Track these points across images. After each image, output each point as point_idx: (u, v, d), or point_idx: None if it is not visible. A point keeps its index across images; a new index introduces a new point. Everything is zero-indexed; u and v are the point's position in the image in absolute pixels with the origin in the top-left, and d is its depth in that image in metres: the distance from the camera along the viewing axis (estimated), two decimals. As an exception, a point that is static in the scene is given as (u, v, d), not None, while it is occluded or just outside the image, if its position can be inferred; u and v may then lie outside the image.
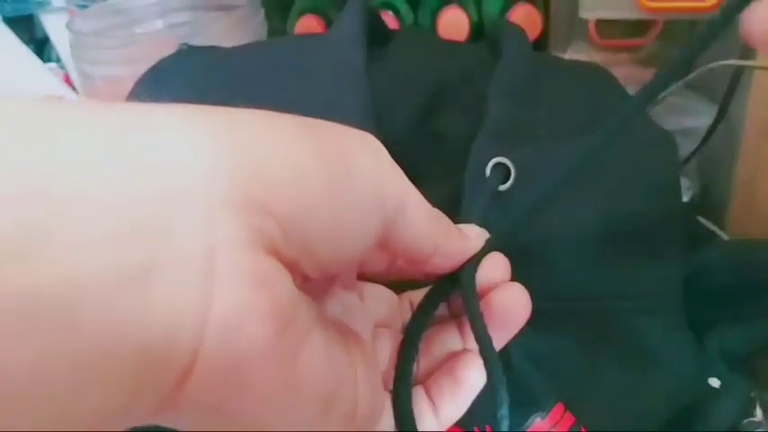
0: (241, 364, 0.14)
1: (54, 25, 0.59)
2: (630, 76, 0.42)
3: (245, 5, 0.50)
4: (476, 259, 0.21)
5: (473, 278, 0.21)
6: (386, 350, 0.22)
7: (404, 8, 0.47)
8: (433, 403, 0.21)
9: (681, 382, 0.28)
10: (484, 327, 0.20)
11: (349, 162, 0.16)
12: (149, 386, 0.13)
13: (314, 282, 0.17)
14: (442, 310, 0.23)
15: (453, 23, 0.45)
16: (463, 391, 0.21)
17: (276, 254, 0.15)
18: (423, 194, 0.19)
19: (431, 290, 0.22)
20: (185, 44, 0.39)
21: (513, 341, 0.22)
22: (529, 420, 0.26)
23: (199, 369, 0.13)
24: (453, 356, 0.22)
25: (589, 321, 0.28)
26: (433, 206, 0.20)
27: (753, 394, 0.28)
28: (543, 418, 0.26)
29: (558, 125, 0.31)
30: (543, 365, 0.27)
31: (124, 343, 0.12)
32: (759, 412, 0.27)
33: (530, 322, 0.21)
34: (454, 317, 0.23)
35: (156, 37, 0.51)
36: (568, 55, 0.45)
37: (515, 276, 0.22)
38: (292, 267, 0.15)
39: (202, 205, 0.13)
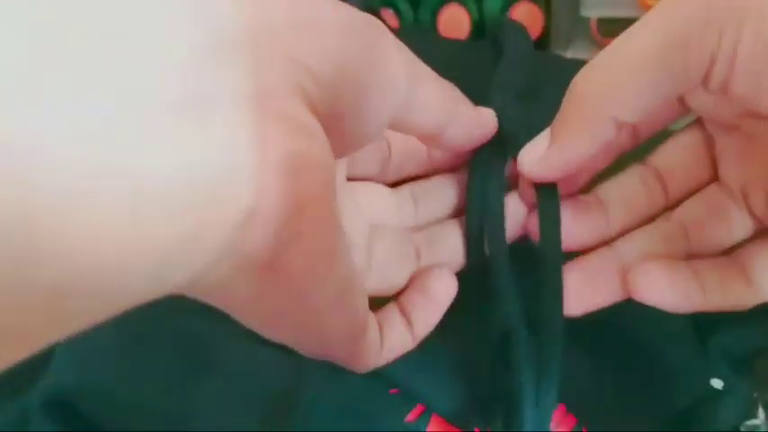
0: (297, 208, 0.14)
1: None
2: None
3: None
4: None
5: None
6: (383, 253, 0.22)
7: (404, 6, 0.47)
8: (407, 318, 0.21)
9: (682, 383, 0.27)
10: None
11: (373, 38, 0.17)
12: (211, 227, 0.13)
13: None
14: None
15: (454, 21, 0.45)
16: (434, 303, 0.21)
17: (315, 113, 0.15)
18: None
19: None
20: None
21: (517, 337, 0.22)
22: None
23: (261, 213, 0.13)
24: (422, 272, 0.22)
25: (589, 322, 0.28)
26: None
27: (755, 395, 0.27)
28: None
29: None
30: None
31: (185, 171, 0.12)
32: (761, 413, 0.27)
33: (530, 324, 0.21)
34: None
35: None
36: (570, 53, 0.45)
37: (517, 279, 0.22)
38: None
39: (249, 54, 0.13)
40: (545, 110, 0.32)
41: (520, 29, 0.36)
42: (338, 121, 0.16)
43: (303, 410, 0.23)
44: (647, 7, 0.39)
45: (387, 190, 0.24)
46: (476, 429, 0.25)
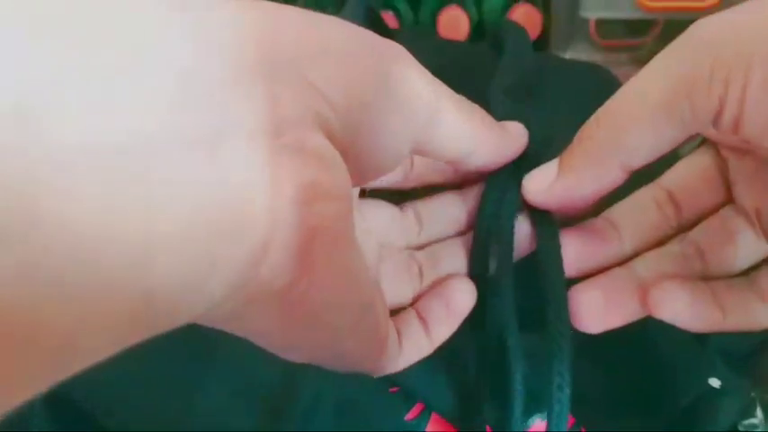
0: (311, 239, 0.14)
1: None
2: (631, 75, 0.42)
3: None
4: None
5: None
6: (389, 272, 0.22)
7: (404, 8, 0.47)
8: (425, 325, 0.21)
9: (681, 383, 0.27)
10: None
11: (391, 63, 0.16)
12: (224, 261, 0.13)
13: None
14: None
15: (453, 23, 0.45)
16: (454, 314, 0.21)
17: (333, 141, 0.15)
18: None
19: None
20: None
21: (513, 342, 0.22)
22: (530, 420, 0.26)
23: (276, 245, 0.13)
24: (443, 281, 0.22)
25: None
26: None
27: (753, 394, 0.28)
28: (544, 418, 0.26)
29: (559, 125, 0.31)
30: (543, 366, 0.27)
31: (198, 207, 0.12)
32: (759, 412, 0.27)
33: (530, 323, 0.21)
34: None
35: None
36: (569, 55, 0.45)
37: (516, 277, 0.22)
38: None
39: (265, 83, 0.13)
40: (545, 110, 0.32)
41: (519, 30, 0.36)
42: (357, 149, 0.15)
43: (303, 410, 0.23)
44: (647, 8, 0.39)
45: (393, 209, 0.23)
46: (475, 429, 0.25)
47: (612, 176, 0.19)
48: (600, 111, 0.19)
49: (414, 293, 0.22)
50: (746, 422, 0.27)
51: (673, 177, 0.23)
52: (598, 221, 0.23)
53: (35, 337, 0.10)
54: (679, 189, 0.22)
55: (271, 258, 0.13)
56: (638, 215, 0.22)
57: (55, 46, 0.10)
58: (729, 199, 0.22)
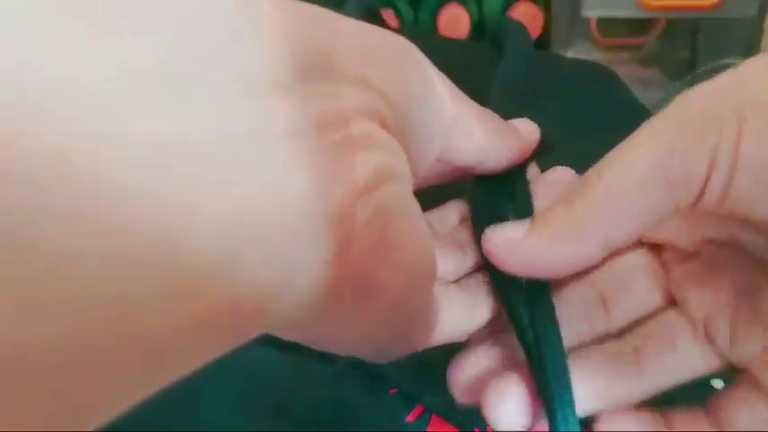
0: (391, 220, 0.14)
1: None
2: (632, 74, 0.42)
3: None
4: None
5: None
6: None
7: (404, 7, 0.47)
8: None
9: (682, 383, 0.27)
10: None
11: (419, 61, 0.17)
12: (307, 262, 0.13)
13: None
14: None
15: (454, 21, 0.45)
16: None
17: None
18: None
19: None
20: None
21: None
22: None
23: (353, 238, 0.13)
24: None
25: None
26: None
27: (755, 395, 0.27)
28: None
29: (560, 124, 0.31)
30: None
31: (276, 208, 0.12)
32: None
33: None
34: None
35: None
36: (570, 53, 0.45)
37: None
38: None
39: (324, 80, 0.14)
40: (545, 109, 0.32)
41: (520, 28, 0.36)
42: (405, 144, 0.16)
43: (303, 410, 0.23)
44: (648, 7, 0.39)
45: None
46: (476, 429, 0.25)
47: (590, 252, 0.17)
48: (588, 174, 0.18)
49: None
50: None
51: (606, 275, 0.20)
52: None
53: (124, 336, 0.10)
54: (612, 289, 0.20)
55: (355, 247, 0.14)
56: (569, 312, 0.20)
57: (136, 44, 0.10)
58: (671, 302, 0.20)
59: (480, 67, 0.34)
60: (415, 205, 0.15)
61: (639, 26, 0.43)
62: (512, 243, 0.18)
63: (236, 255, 0.11)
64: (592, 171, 0.18)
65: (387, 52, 0.16)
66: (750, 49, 0.35)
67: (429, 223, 0.23)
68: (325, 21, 0.15)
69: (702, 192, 0.16)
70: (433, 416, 0.24)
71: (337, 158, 0.13)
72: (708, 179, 0.16)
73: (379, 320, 0.16)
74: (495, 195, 0.22)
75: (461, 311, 0.20)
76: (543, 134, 0.22)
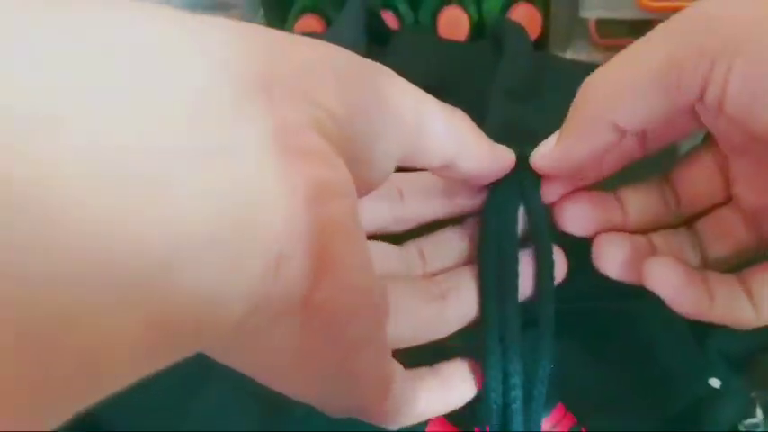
0: (330, 236, 0.14)
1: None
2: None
3: (244, 5, 0.50)
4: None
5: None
6: (408, 295, 0.22)
7: (404, 8, 0.47)
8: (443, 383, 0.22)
9: (681, 383, 0.28)
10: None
11: (378, 75, 0.17)
12: (246, 268, 0.13)
13: None
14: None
15: (453, 23, 0.45)
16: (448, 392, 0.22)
17: (331, 146, 0.15)
18: None
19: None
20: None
21: (511, 341, 0.22)
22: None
23: (292, 246, 0.14)
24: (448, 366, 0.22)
25: (589, 322, 0.28)
26: None
27: (753, 394, 0.28)
28: (544, 418, 0.26)
29: (559, 124, 0.31)
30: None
31: (215, 216, 0.12)
32: (759, 412, 0.27)
33: (530, 323, 0.21)
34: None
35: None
36: (569, 54, 0.45)
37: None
38: None
39: (268, 96, 0.14)
40: (544, 110, 0.32)
41: (519, 30, 0.36)
42: (352, 156, 0.16)
43: (302, 411, 0.23)
44: (647, 8, 0.39)
45: (392, 247, 0.23)
46: (476, 429, 0.25)
47: (605, 136, 0.20)
48: (594, 74, 0.20)
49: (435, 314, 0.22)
50: (747, 422, 0.27)
51: (676, 171, 0.23)
52: (606, 194, 0.23)
53: (58, 349, 0.10)
54: (682, 183, 0.23)
55: (291, 263, 0.14)
56: (643, 198, 0.23)
57: (78, 57, 0.10)
58: (730, 197, 0.22)
59: (480, 69, 0.34)
60: (357, 222, 0.15)
61: (639, 27, 0.43)
62: (548, 151, 0.21)
63: (167, 269, 0.11)
64: (598, 73, 0.20)
65: (334, 69, 0.16)
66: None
67: (420, 249, 0.23)
68: (270, 42, 0.15)
69: (700, 102, 0.18)
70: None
71: (275, 173, 0.13)
72: (702, 95, 0.18)
73: (319, 353, 0.16)
74: (507, 196, 0.22)
75: (436, 396, 0.21)
76: (534, 141, 0.22)
